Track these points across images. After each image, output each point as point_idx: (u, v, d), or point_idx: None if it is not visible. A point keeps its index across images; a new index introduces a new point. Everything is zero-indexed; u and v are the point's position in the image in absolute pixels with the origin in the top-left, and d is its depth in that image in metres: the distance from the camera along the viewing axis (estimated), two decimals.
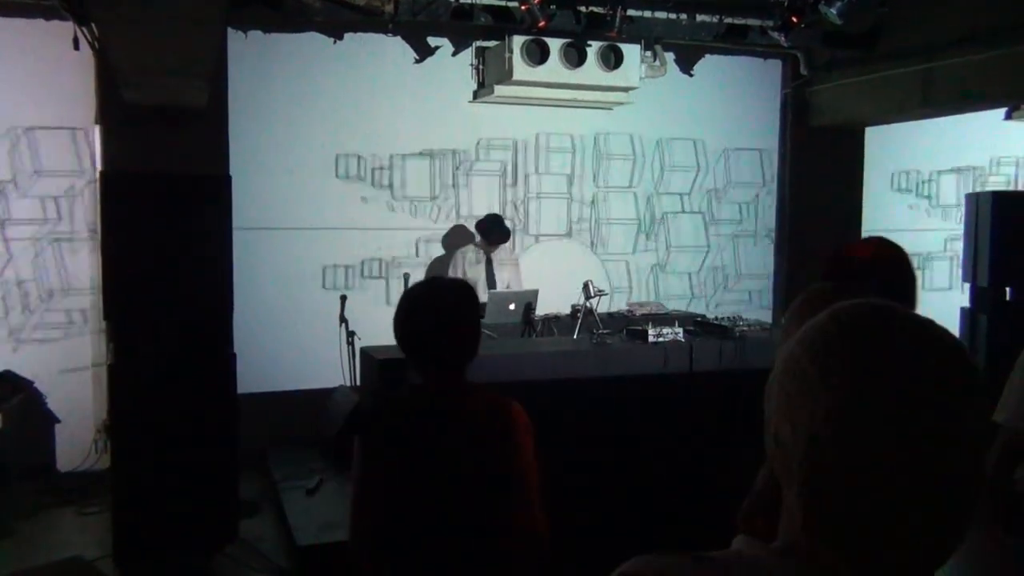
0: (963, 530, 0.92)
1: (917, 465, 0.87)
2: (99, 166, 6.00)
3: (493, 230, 6.55)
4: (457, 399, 2.26)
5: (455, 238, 7.02)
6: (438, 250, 7.08)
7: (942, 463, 0.88)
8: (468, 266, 6.59)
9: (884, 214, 8.20)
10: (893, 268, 2.40)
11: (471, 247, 6.69)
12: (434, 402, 2.27)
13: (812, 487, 0.91)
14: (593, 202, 7.51)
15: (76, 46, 5.45)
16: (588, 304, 5.68)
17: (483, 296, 6.59)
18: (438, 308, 2.25)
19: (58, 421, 6.10)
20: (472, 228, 6.83)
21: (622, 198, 7.62)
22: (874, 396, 0.88)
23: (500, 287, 6.64)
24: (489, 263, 6.63)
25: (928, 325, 0.94)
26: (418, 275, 6.86)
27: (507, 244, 6.77)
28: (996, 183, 8.63)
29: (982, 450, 0.91)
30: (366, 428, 2.31)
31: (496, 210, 7.09)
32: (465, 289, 2.37)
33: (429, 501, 2.20)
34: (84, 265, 6.15)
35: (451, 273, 6.59)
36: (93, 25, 5.33)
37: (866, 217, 8.09)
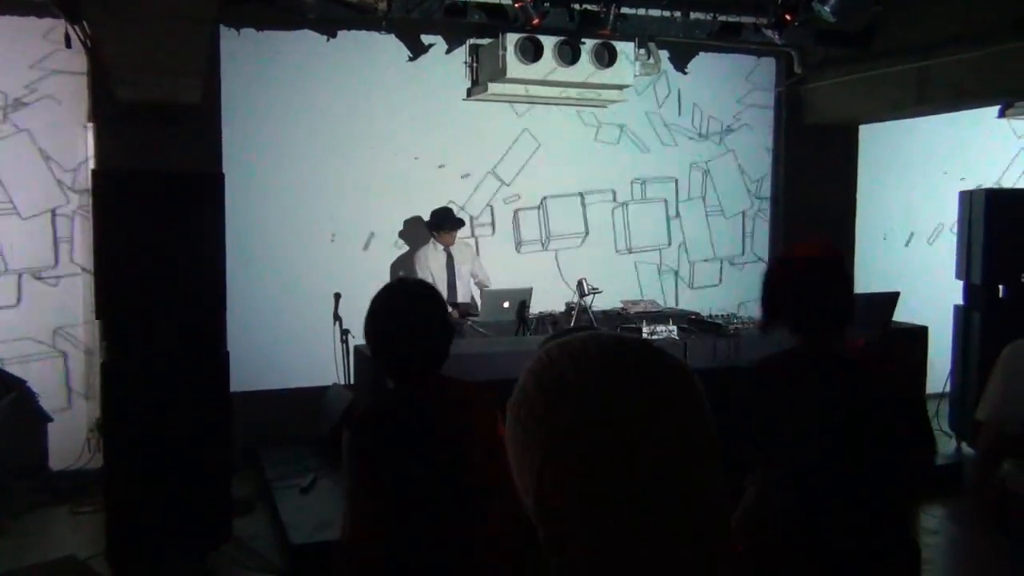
0: (711, 550, 0.88)
1: (639, 494, 0.85)
2: (92, 164, 5.97)
3: (443, 221, 6.50)
4: (438, 396, 2.30)
5: (412, 232, 6.97)
6: None
7: (664, 484, 0.86)
8: (431, 265, 6.53)
9: None
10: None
11: (429, 245, 6.61)
12: (418, 402, 2.29)
13: (549, 542, 0.90)
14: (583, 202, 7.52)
15: (68, 44, 5.43)
16: (582, 302, 5.68)
17: (446, 295, 6.52)
18: (401, 311, 2.31)
19: (50, 420, 6.08)
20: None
21: (615, 195, 7.62)
22: (578, 437, 0.87)
23: (463, 281, 6.59)
24: (450, 259, 6.59)
25: (630, 349, 0.93)
26: (414, 274, 6.85)
27: (467, 240, 6.69)
28: None
29: (706, 470, 0.89)
30: (359, 435, 2.30)
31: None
32: (425, 288, 2.41)
33: (428, 497, 2.21)
34: (77, 263, 6.12)
35: (419, 274, 6.52)
36: (85, 23, 5.31)
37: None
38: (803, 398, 2.39)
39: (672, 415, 0.88)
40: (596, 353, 0.92)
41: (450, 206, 6.81)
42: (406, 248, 6.97)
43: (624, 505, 0.85)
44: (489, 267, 6.87)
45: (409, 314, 2.31)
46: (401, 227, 6.98)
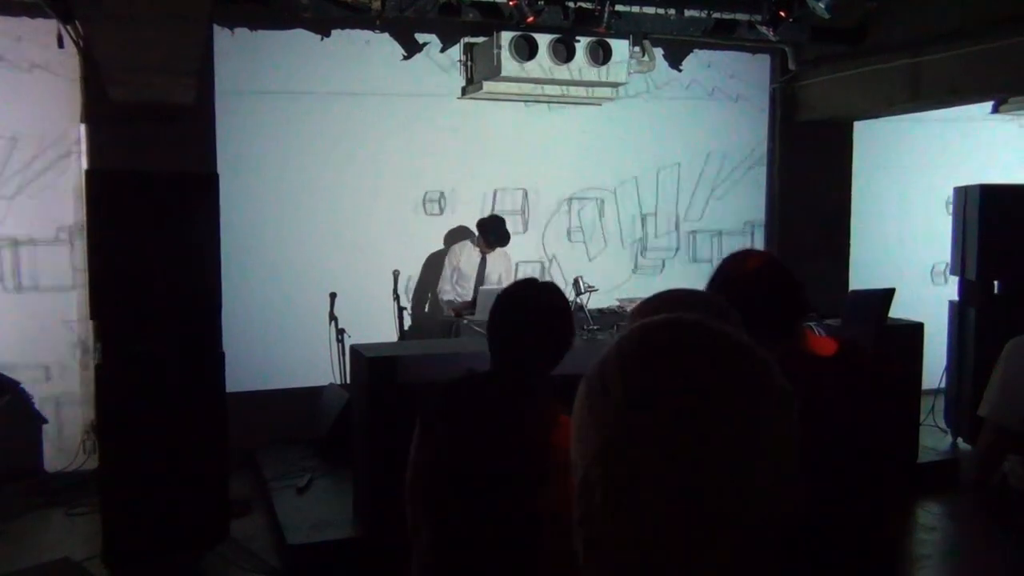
0: (755, 554, 0.85)
1: (687, 488, 0.82)
2: (85, 164, 5.95)
3: (492, 232, 6.54)
4: (514, 393, 2.27)
5: (457, 236, 7.01)
6: (428, 246, 7.06)
7: (717, 482, 0.82)
8: (463, 262, 6.58)
9: None
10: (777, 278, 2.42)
11: (468, 243, 6.68)
12: (489, 391, 2.28)
13: (585, 523, 0.87)
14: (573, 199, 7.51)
15: (61, 44, 5.41)
16: (578, 300, 5.67)
17: (470, 292, 6.57)
18: (525, 307, 2.31)
19: (45, 422, 6.06)
20: (474, 226, 6.80)
21: (610, 194, 7.61)
22: (636, 423, 0.84)
23: (490, 283, 6.63)
24: (483, 260, 6.63)
25: (709, 341, 0.90)
26: (409, 271, 6.85)
27: (506, 250, 6.74)
28: None
29: (779, 466, 0.86)
30: (428, 403, 2.31)
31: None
32: (555, 294, 2.37)
33: (468, 489, 2.19)
34: (71, 264, 6.10)
35: (447, 268, 6.60)
36: (77, 23, 5.28)
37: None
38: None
39: (740, 421, 0.85)
40: (683, 345, 0.89)
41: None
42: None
43: (662, 495, 0.83)
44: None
45: (515, 312, 2.31)
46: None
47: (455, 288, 6.64)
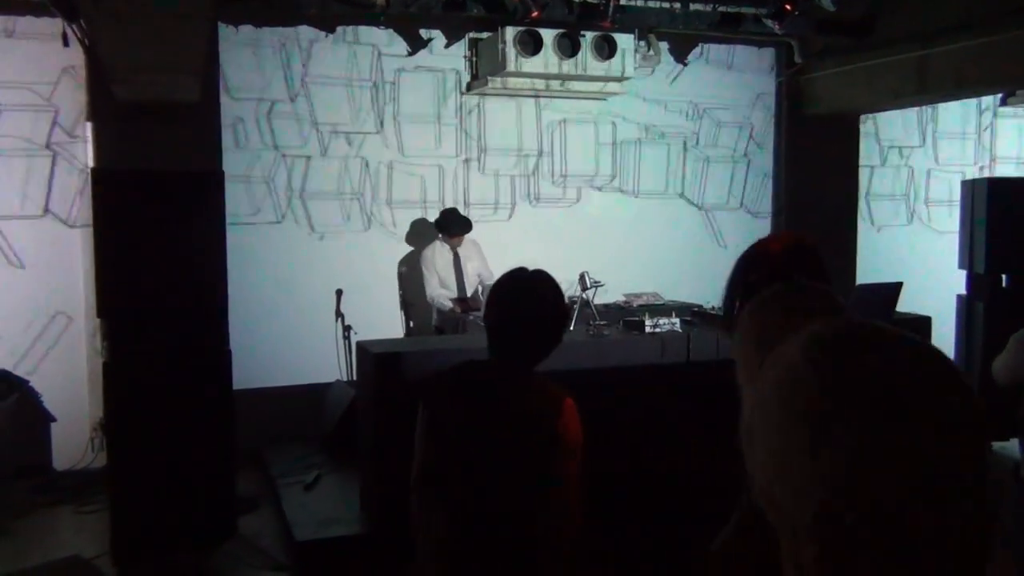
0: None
1: (937, 508, 0.82)
2: (91, 163, 5.96)
3: (451, 224, 6.50)
4: (515, 379, 2.32)
5: (417, 233, 6.96)
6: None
7: (958, 501, 0.82)
8: (439, 264, 6.52)
9: None
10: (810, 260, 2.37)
11: (436, 243, 6.63)
12: (492, 376, 2.34)
13: (832, 554, 0.83)
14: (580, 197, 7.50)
15: (65, 43, 5.42)
16: (584, 295, 5.66)
17: (455, 291, 6.50)
18: (521, 299, 2.37)
19: (54, 420, 6.07)
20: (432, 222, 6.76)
21: (614, 188, 7.60)
22: (883, 448, 0.80)
23: (469, 278, 6.58)
24: (456, 258, 6.58)
25: (913, 346, 0.88)
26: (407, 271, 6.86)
27: (469, 235, 6.69)
28: None
29: (983, 479, 0.86)
30: (430, 390, 2.38)
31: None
32: (550, 284, 2.42)
33: (473, 469, 2.24)
34: (77, 262, 6.12)
35: (425, 272, 6.51)
36: (82, 21, 5.29)
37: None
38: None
39: (956, 439, 0.83)
40: (873, 375, 0.86)
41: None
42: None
43: (911, 518, 0.81)
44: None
45: (512, 299, 2.38)
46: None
47: (445, 290, 6.52)
